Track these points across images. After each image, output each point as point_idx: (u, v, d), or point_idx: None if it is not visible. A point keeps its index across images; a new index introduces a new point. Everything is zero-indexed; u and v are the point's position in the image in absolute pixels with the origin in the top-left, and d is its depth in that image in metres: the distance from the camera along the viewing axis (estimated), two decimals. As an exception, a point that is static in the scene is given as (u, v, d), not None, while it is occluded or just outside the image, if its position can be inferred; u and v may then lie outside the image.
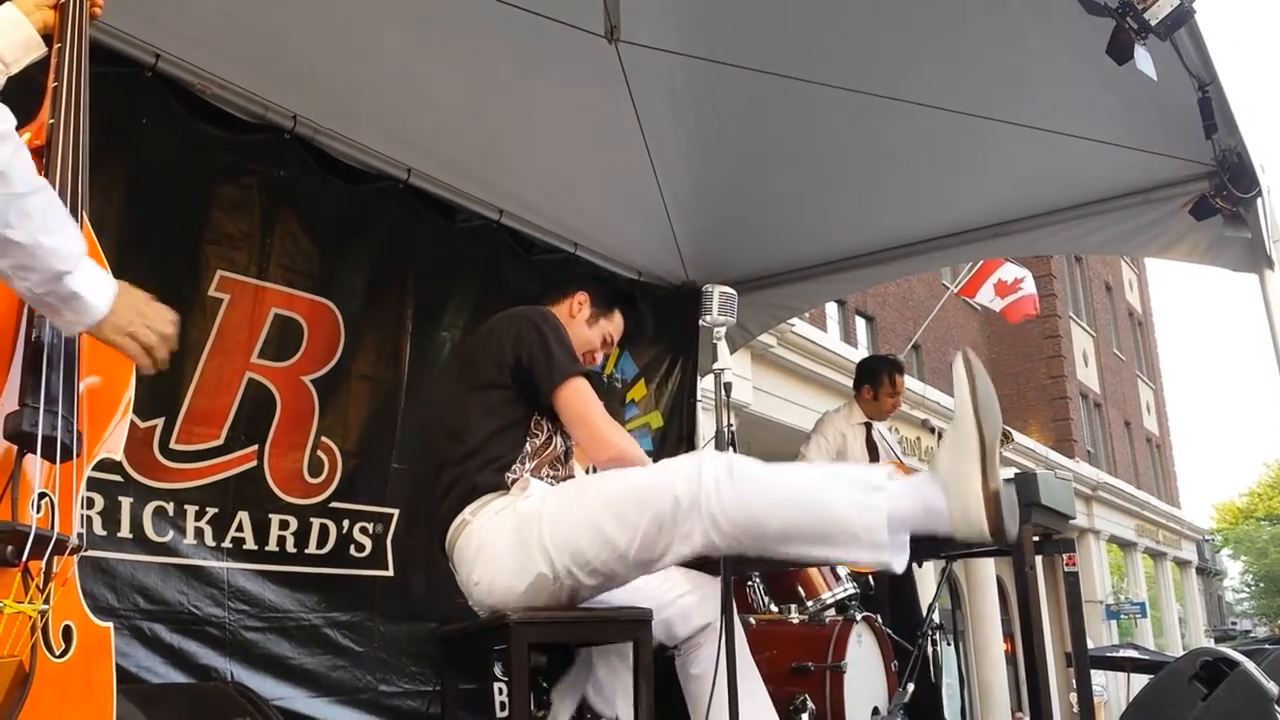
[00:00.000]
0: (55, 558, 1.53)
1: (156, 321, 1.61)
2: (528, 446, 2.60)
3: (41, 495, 1.53)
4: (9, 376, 1.53)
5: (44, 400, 1.52)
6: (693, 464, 2.30)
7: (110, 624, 1.66)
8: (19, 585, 1.46)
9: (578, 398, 2.58)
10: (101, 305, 1.50)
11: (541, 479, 2.59)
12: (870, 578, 4.84)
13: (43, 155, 1.70)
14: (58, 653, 1.52)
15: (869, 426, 5.32)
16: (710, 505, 2.21)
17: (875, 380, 5.34)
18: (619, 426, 2.68)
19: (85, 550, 1.64)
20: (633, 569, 2.38)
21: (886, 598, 4.95)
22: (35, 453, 1.51)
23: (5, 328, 1.52)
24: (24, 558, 1.46)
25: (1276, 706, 3.02)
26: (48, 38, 1.80)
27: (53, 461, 1.54)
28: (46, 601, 1.50)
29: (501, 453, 2.56)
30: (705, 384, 5.61)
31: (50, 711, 1.47)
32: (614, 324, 3.02)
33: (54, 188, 1.65)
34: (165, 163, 3.34)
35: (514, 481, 2.53)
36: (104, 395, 1.71)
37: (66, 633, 1.55)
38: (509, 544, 2.43)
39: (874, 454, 5.23)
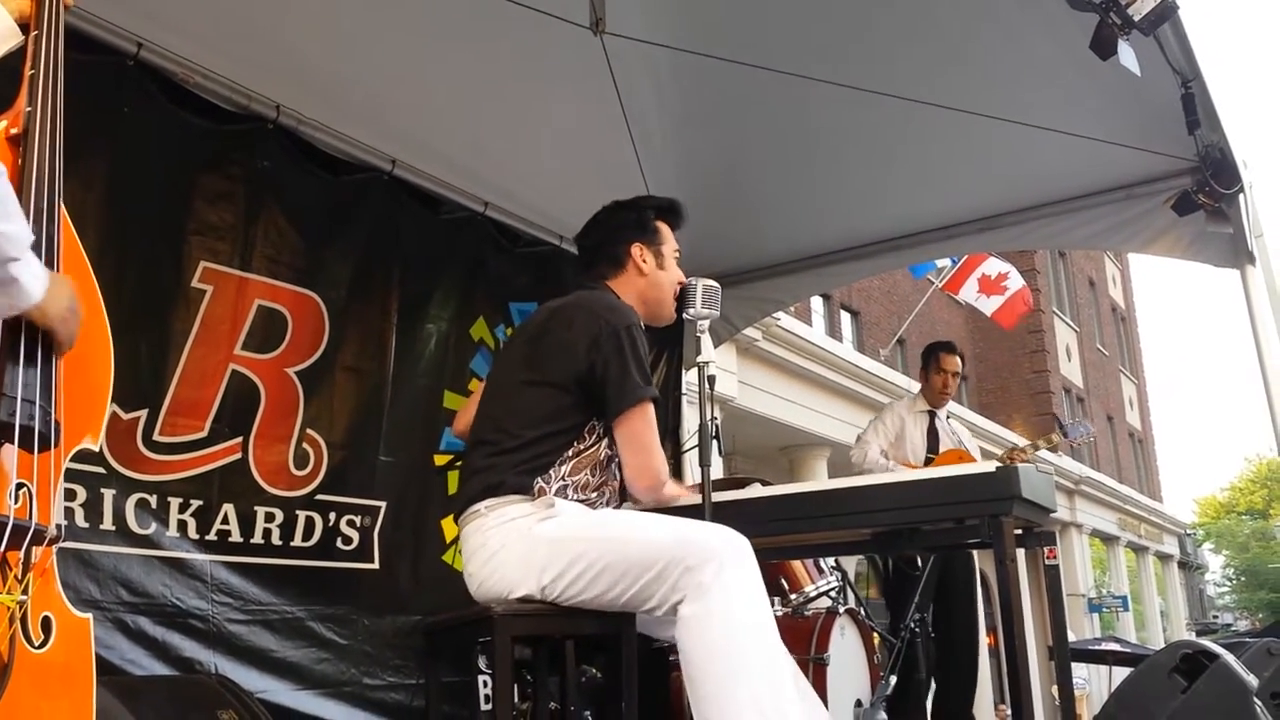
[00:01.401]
0: (33, 548, 1.52)
1: (77, 316, 1.61)
2: (570, 450, 2.53)
3: (19, 485, 1.52)
4: None
5: (20, 390, 1.51)
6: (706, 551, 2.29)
7: (90, 615, 1.65)
8: None
9: (642, 423, 2.52)
10: (36, 292, 1.50)
11: (577, 482, 2.53)
12: (919, 559, 4.85)
13: (19, 143, 1.69)
14: (37, 644, 1.51)
15: (932, 415, 5.38)
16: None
17: (925, 363, 5.51)
18: (664, 458, 2.62)
19: (64, 541, 1.64)
20: (619, 610, 2.44)
21: (933, 593, 4.95)
22: (12, 443, 1.50)
23: None
24: (1, 548, 1.46)
25: (1255, 699, 3.04)
26: (25, 27, 1.79)
27: (30, 451, 1.53)
28: (25, 592, 1.49)
29: (542, 454, 2.50)
30: (690, 377, 5.62)
31: (29, 703, 1.46)
32: (670, 236, 2.83)
33: (32, 175, 1.65)
34: (148, 153, 3.31)
35: (540, 491, 2.47)
36: (83, 385, 1.70)
37: (45, 624, 1.54)
38: (508, 558, 2.43)
39: (933, 441, 5.29)
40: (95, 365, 1.75)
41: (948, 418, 5.52)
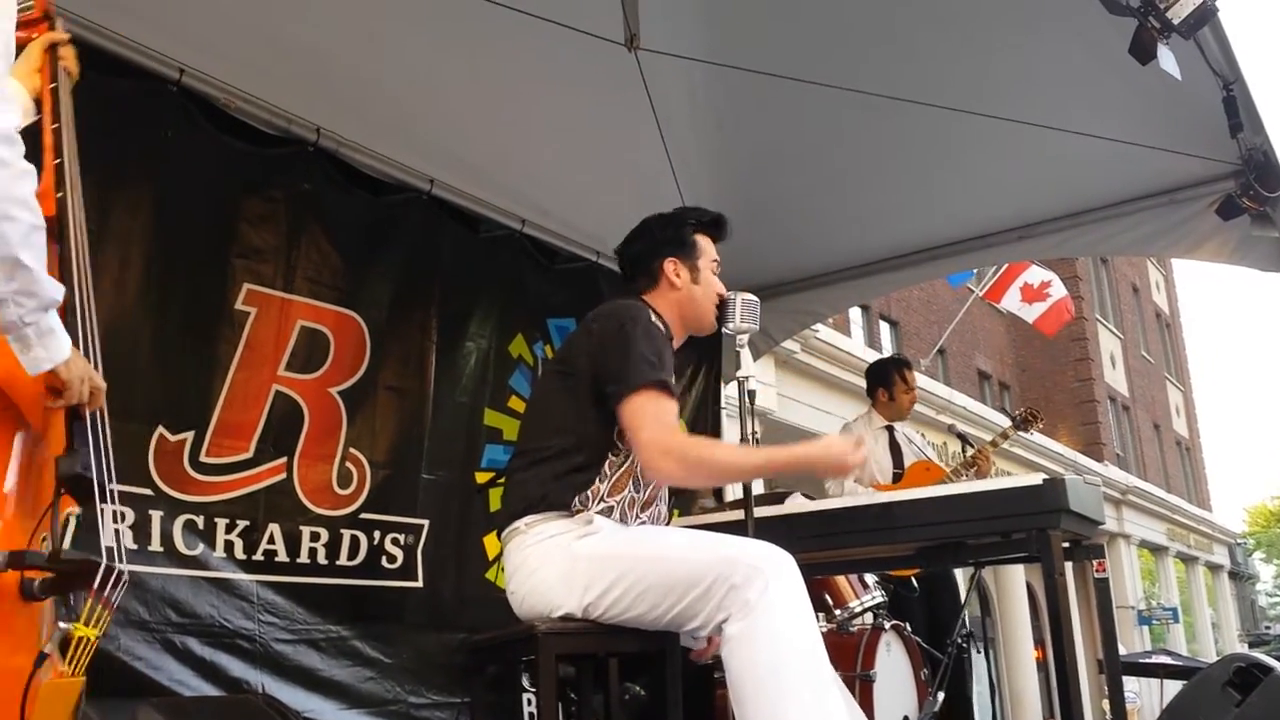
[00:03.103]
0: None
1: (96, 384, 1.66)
2: (606, 465, 2.47)
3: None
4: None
5: (90, 442, 1.60)
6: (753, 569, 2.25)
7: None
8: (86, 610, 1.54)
9: (647, 401, 2.39)
10: (67, 347, 1.54)
11: (622, 500, 2.50)
12: (913, 579, 4.83)
13: (55, 225, 1.75)
14: None
15: (891, 430, 5.35)
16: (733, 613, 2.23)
17: (886, 381, 5.38)
18: (679, 440, 2.46)
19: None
20: (662, 628, 2.41)
21: (924, 601, 4.94)
22: (93, 496, 1.59)
23: None
24: (95, 586, 1.54)
25: (1312, 712, 2.97)
26: (39, 103, 1.89)
27: (90, 501, 1.61)
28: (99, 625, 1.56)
29: (579, 466, 2.46)
30: (729, 391, 5.62)
31: None
32: (709, 249, 2.77)
33: (71, 258, 1.73)
34: (191, 177, 3.37)
35: (579, 512, 2.43)
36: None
37: None
38: (549, 576, 2.42)
39: (897, 456, 5.25)
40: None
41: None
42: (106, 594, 1.56)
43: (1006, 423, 5.61)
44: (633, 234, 2.83)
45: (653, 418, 2.39)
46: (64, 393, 1.57)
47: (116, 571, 1.57)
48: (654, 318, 2.58)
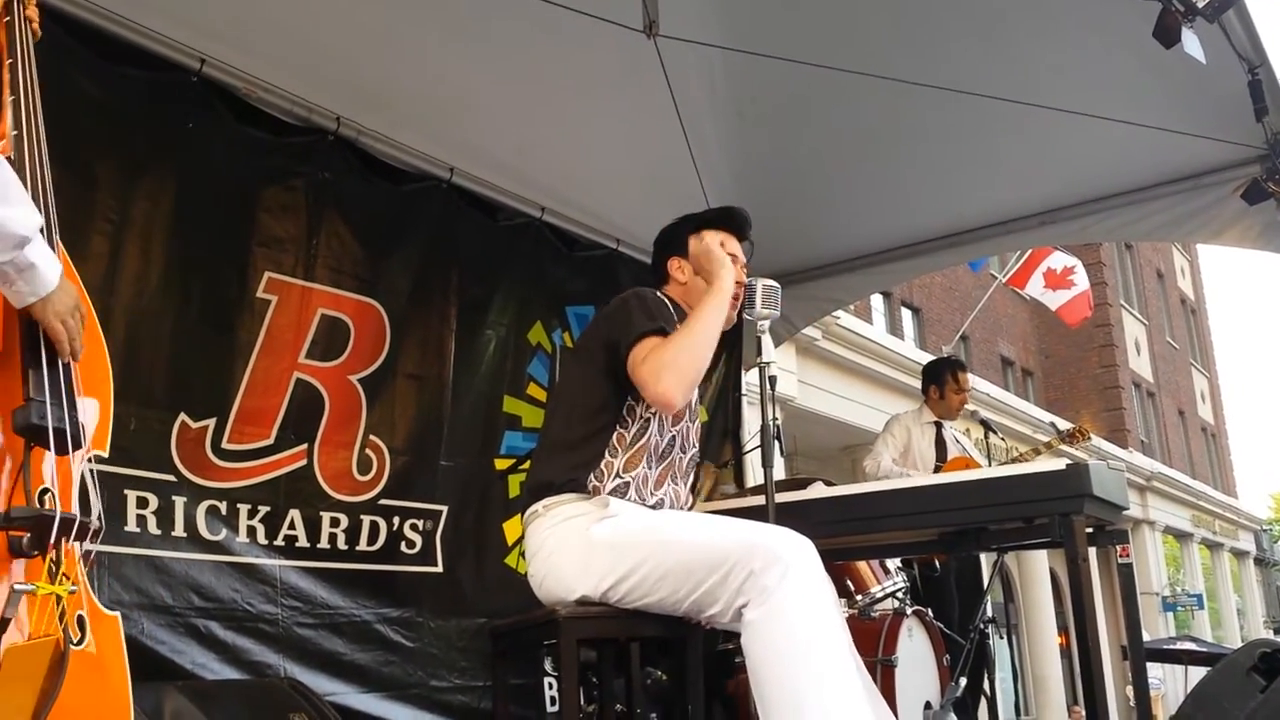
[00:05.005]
0: (78, 543, 1.58)
1: (80, 319, 1.64)
2: (615, 439, 2.52)
3: (44, 490, 1.57)
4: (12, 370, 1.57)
5: (47, 393, 1.56)
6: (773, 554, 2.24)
7: (118, 612, 1.69)
8: (47, 569, 1.51)
9: (640, 355, 2.45)
10: (52, 279, 1.54)
11: (636, 477, 2.52)
12: (936, 561, 4.88)
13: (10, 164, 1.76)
14: (75, 640, 1.55)
15: (939, 426, 5.50)
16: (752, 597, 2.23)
17: (940, 380, 5.58)
18: (657, 357, 2.45)
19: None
20: (681, 614, 2.42)
21: (950, 581, 4.98)
22: (45, 446, 1.54)
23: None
24: (52, 541, 1.50)
25: (1338, 698, 2.95)
26: None
27: (62, 454, 1.58)
28: (74, 583, 1.54)
29: (586, 446, 2.52)
30: (750, 378, 5.61)
31: (73, 697, 1.49)
32: (719, 242, 2.81)
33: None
34: (212, 166, 3.38)
35: (595, 490, 2.47)
36: (90, 391, 1.74)
37: (80, 622, 1.58)
38: (567, 559, 2.45)
39: (941, 451, 5.37)
40: (99, 372, 1.79)
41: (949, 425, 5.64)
42: (77, 547, 1.55)
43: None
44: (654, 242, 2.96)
45: (652, 356, 2.46)
46: (49, 332, 1.56)
47: (79, 523, 1.55)
48: (660, 296, 2.69)
